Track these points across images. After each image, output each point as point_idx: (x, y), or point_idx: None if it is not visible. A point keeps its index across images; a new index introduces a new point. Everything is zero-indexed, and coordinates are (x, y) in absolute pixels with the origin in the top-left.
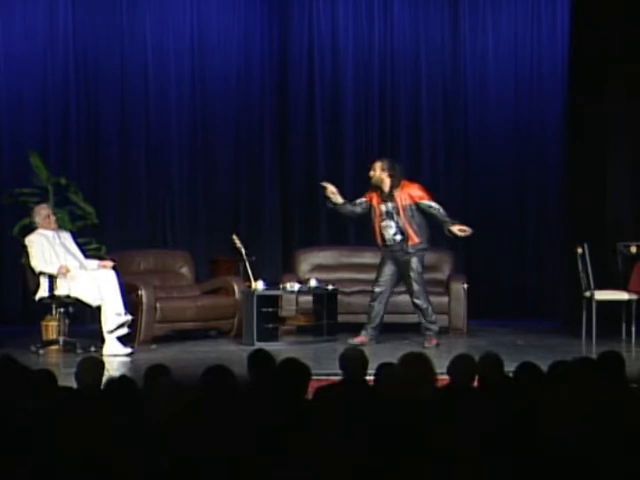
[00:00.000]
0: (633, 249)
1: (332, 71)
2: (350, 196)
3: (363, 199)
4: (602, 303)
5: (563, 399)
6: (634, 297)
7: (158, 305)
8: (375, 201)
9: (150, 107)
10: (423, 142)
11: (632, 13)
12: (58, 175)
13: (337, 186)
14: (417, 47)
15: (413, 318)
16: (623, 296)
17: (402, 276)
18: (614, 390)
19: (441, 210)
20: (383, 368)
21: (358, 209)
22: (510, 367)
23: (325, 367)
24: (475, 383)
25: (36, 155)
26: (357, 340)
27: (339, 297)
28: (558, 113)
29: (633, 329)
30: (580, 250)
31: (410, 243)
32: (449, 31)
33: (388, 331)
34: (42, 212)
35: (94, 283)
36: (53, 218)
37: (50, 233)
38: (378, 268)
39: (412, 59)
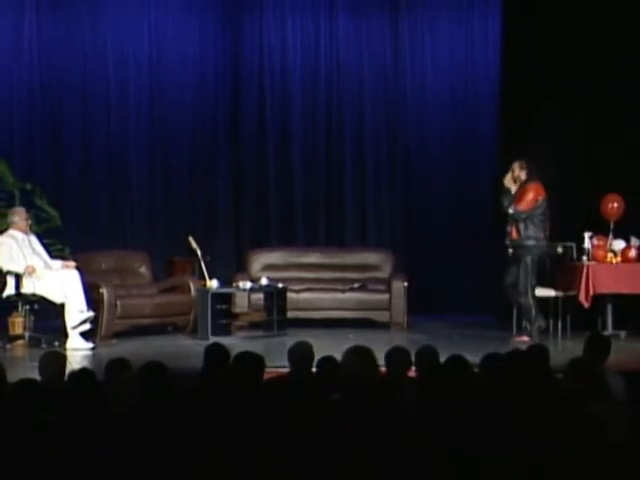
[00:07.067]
0: (559, 249)
1: (281, 84)
2: (300, 205)
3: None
4: None
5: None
6: (560, 294)
7: (118, 302)
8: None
9: (111, 115)
10: (367, 150)
11: (562, 30)
12: (24, 181)
13: (286, 193)
14: (361, 62)
15: (356, 314)
16: (551, 293)
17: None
18: (540, 380)
19: None
20: (324, 360)
21: None
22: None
23: (274, 360)
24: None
25: (3, 162)
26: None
27: (288, 295)
28: (492, 126)
29: (559, 323)
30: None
31: None
32: (390, 47)
33: (334, 326)
34: (22, 214)
35: (58, 282)
36: (29, 222)
37: (21, 235)
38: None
39: (356, 73)
